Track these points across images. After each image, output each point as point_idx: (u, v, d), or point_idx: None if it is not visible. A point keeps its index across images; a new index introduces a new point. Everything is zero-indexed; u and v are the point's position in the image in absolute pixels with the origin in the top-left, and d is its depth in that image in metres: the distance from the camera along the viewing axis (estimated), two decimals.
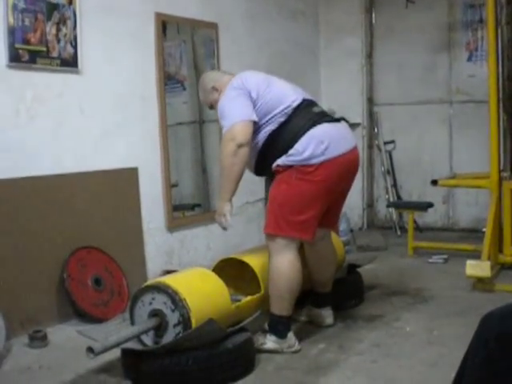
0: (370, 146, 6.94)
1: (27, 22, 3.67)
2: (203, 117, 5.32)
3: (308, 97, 3.36)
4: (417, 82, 6.63)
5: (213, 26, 5.23)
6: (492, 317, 1.83)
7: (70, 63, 3.95)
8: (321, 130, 3.16)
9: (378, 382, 2.85)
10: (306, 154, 3.10)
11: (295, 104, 3.23)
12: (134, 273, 4.25)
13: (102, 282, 3.97)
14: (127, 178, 4.42)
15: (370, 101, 6.92)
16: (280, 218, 3.17)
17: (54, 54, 3.85)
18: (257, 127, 3.19)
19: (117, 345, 2.71)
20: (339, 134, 3.25)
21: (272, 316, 3.22)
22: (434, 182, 5.32)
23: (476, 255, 4.47)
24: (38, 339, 3.42)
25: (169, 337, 2.84)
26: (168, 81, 4.85)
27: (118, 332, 2.85)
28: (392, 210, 6.63)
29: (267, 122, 3.21)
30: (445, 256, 5.28)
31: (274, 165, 3.19)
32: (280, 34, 6.19)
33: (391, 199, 6.70)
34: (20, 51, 3.65)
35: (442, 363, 2.98)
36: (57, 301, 3.81)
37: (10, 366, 3.14)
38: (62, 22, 3.88)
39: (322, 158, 3.10)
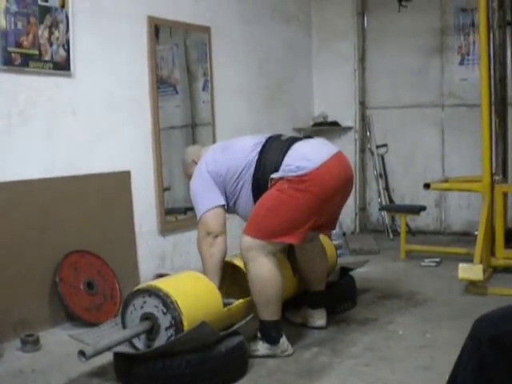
0: (363, 150, 6.94)
1: (20, 26, 3.67)
2: (196, 120, 5.31)
3: (272, 134, 3.49)
4: (409, 85, 6.65)
5: (205, 30, 5.22)
6: (484, 320, 1.84)
7: (62, 66, 3.94)
8: (298, 147, 3.26)
9: None
10: (294, 167, 3.13)
11: (262, 142, 3.36)
12: (126, 276, 4.24)
13: (95, 285, 3.96)
14: (119, 181, 4.41)
15: (363, 104, 6.93)
16: (265, 223, 3.15)
17: (47, 58, 3.84)
18: (240, 177, 3.32)
19: (108, 348, 2.70)
20: (318, 144, 3.37)
21: (263, 323, 3.19)
22: (427, 186, 5.31)
23: (468, 259, 4.47)
24: (31, 343, 3.40)
25: (161, 340, 2.83)
26: (160, 84, 4.84)
27: (109, 336, 2.84)
28: (384, 213, 6.64)
29: (244, 169, 3.31)
30: (437, 259, 5.30)
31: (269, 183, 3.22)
32: (273, 38, 6.20)
33: (384, 203, 6.71)
34: (12, 54, 3.64)
35: (434, 366, 2.98)
36: (49, 305, 3.79)
37: (2, 370, 3.12)
38: (55, 25, 3.87)
39: (311, 167, 3.12)
